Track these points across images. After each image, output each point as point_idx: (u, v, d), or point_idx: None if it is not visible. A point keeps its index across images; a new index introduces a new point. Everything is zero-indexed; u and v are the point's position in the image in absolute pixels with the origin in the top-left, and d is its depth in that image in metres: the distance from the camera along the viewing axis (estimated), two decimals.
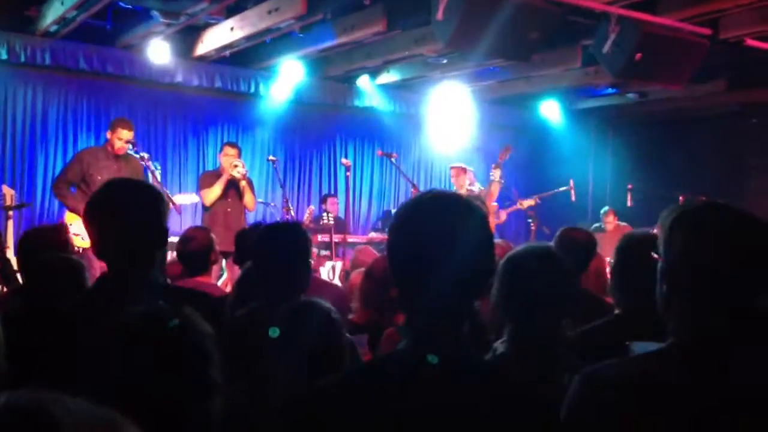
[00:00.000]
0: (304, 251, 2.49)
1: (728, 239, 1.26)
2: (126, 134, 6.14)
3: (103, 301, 1.80)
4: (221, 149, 7.14)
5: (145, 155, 6.16)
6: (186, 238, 3.97)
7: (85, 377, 1.28)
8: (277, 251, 2.44)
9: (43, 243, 3.25)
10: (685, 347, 1.27)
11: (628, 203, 9.07)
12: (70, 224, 5.37)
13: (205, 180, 6.98)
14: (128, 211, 1.86)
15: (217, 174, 6.93)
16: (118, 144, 6.12)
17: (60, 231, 3.54)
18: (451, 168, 8.49)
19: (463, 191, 8.06)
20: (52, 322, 1.79)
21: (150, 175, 6.12)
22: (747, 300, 1.27)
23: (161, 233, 1.91)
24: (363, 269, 3.57)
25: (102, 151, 6.25)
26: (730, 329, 1.26)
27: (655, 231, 1.46)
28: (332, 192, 9.44)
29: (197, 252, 3.87)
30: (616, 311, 2.33)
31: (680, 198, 8.69)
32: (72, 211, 5.97)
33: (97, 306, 1.80)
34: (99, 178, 5.83)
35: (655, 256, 1.34)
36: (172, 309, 1.34)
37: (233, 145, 7.13)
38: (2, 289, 4.46)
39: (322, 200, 8.95)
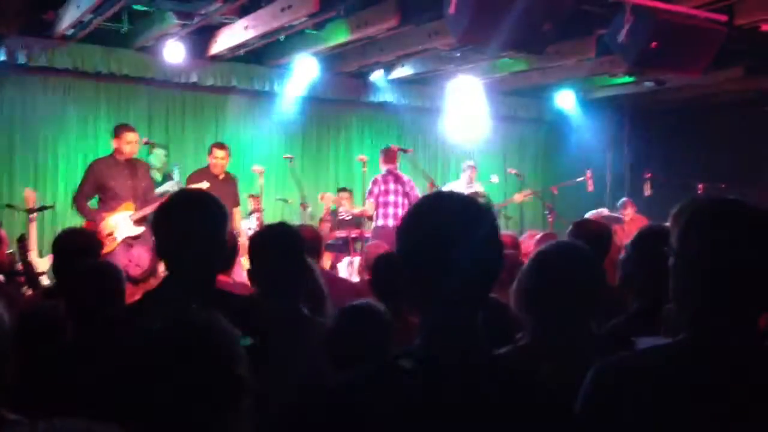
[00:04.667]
0: (295, 251, 2.43)
1: (747, 239, 1.26)
2: (133, 137, 6.15)
3: (153, 304, 1.90)
4: (210, 150, 6.96)
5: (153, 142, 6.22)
6: None
7: (118, 381, 1.33)
8: (267, 254, 2.43)
9: (80, 247, 3.31)
10: (700, 345, 1.27)
11: (646, 192, 9.01)
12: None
13: (192, 180, 6.76)
14: (187, 220, 1.99)
15: (206, 173, 6.79)
16: (128, 148, 6.09)
17: (93, 235, 3.62)
18: (466, 165, 8.60)
19: (473, 186, 8.15)
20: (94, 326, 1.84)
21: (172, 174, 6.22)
22: (764, 300, 1.27)
23: (217, 243, 2.01)
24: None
25: (111, 158, 6.15)
26: (746, 329, 1.26)
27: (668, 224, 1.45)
28: (348, 188, 9.43)
29: None
30: (635, 307, 2.32)
31: (699, 186, 8.65)
32: (91, 221, 6.02)
33: (141, 311, 1.90)
34: (113, 184, 6.00)
35: (666, 250, 1.35)
36: (199, 313, 1.38)
37: (221, 146, 6.96)
38: (27, 290, 4.54)
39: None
